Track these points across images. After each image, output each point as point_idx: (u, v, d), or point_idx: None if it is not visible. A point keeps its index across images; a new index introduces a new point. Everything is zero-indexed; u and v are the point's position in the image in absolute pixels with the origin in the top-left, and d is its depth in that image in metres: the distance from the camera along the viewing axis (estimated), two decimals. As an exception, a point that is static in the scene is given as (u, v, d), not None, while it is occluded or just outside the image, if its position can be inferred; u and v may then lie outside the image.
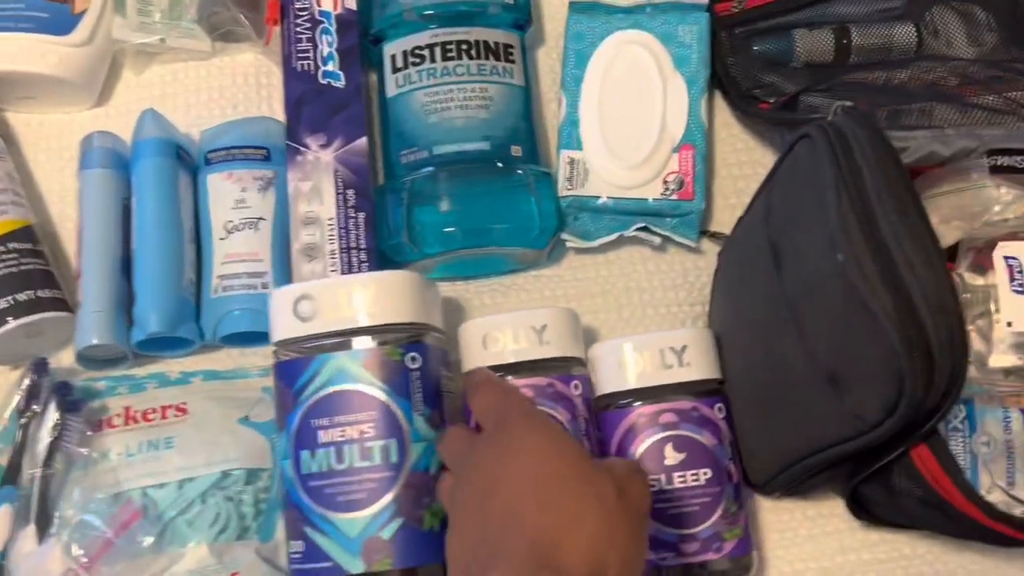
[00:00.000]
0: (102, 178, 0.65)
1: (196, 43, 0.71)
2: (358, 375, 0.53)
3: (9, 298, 0.61)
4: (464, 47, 0.67)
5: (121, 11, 0.69)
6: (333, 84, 0.67)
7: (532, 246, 0.67)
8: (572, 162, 0.69)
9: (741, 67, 0.70)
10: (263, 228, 0.65)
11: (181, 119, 0.70)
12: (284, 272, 0.64)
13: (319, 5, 0.68)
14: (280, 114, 0.68)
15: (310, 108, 0.66)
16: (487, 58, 0.67)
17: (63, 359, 0.64)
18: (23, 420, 0.59)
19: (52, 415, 0.58)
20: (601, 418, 0.61)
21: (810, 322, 0.53)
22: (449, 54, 0.67)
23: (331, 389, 0.53)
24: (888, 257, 0.48)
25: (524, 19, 0.71)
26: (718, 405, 0.61)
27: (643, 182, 0.68)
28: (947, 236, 0.60)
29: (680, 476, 0.59)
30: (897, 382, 0.48)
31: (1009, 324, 0.57)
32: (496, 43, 0.68)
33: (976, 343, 0.59)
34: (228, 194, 0.65)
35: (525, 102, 0.69)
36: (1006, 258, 0.57)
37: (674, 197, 0.68)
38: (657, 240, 0.68)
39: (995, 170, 0.59)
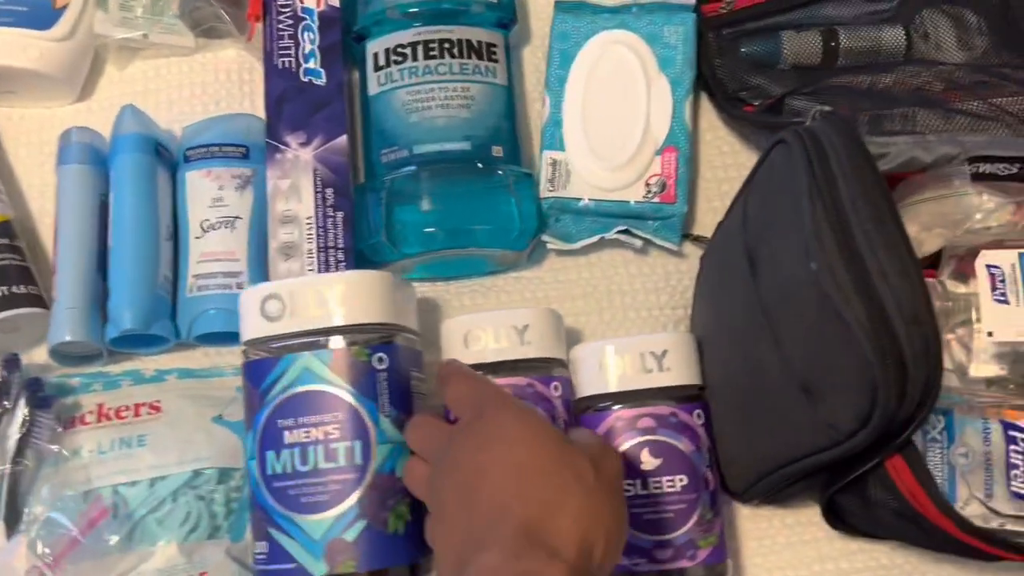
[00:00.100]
0: (79, 174, 0.65)
1: (178, 39, 0.71)
2: (324, 376, 0.53)
3: (-16, 293, 0.61)
4: (447, 46, 0.67)
5: (103, 6, 0.69)
6: (314, 82, 0.67)
7: (512, 247, 0.66)
8: (554, 163, 0.68)
9: (728, 68, 0.70)
10: (239, 227, 0.64)
11: (163, 115, 0.69)
12: (260, 271, 0.64)
13: (302, 2, 0.68)
14: (262, 111, 0.67)
15: (291, 105, 0.66)
16: (470, 57, 0.67)
17: (38, 355, 0.64)
18: (-8, 417, 0.58)
19: (21, 411, 0.58)
20: (580, 420, 0.61)
21: (785, 329, 0.52)
22: (431, 53, 0.66)
23: (297, 389, 0.53)
24: (862, 266, 0.47)
25: (508, 18, 0.70)
26: (697, 411, 0.60)
27: (625, 184, 0.67)
28: (929, 243, 0.60)
29: (656, 482, 0.58)
30: (870, 392, 0.47)
31: (990, 334, 0.56)
32: (479, 42, 0.67)
33: (957, 353, 0.59)
34: (206, 192, 0.65)
35: (508, 102, 0.68)
36: (988, 267, 0.57)
37: (656, 200, 0.67)
38: (639, 243, 0.67)
39: (977, 177, 0.58)
